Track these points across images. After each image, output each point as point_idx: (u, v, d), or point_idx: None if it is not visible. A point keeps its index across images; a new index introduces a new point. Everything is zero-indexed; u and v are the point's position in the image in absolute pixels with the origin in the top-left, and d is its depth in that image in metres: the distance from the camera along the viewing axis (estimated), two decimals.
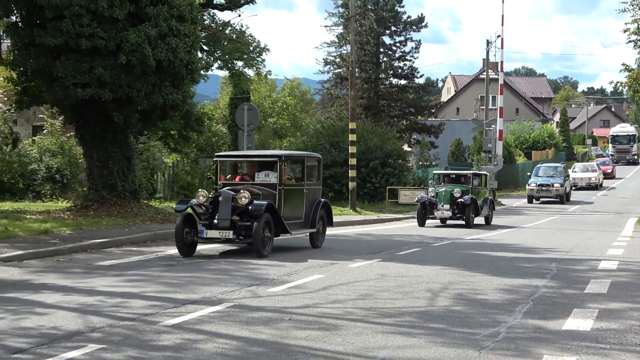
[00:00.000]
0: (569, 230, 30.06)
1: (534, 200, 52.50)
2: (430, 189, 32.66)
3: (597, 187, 66.63)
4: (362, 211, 38.38)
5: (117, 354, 8.81)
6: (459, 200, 31.33)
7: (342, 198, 42.08)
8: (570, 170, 64.46)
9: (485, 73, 69.09)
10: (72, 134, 32.51)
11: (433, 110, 74.76)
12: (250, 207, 18.35)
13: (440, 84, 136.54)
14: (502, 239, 25.30)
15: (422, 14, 75.93)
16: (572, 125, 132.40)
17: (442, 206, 31.36)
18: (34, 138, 37.45)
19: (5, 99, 34.29)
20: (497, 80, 60.83)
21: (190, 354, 8.89)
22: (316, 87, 76.20)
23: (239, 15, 44.97)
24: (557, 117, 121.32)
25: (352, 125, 39.36)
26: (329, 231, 23.09)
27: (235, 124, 36.22)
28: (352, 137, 38.99)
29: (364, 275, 15.50)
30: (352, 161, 38.80)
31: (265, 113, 68.49)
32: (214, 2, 41.05)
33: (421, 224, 31.61)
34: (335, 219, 31.18)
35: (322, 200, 21.46)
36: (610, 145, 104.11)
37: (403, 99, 68.23)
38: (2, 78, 29.26)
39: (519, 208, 48.20)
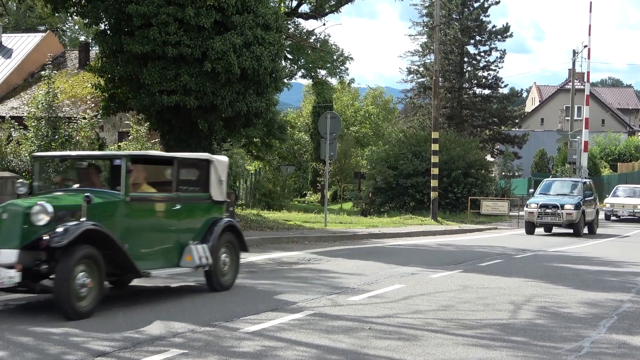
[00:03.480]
0: None
1: (535, 229, 33.43)
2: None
3: None
4: (444, 221, 38.14)
5: (199, 359, 8.90)
6: (45, 236, 10.99)
7: (424, 208, 42.01)
8: (610, 195, 49.22)
9: (570, 83, 68.17)
10: (157, 140, 32.92)
11: (517, 121, 74.03)
12: None
13: (524, 94, 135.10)
14: (585, 252, 24.89)
15: (507, 24, 75.33)
16: None
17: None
18: (119, 144, 38.01)
19: (93, 105, 34.91)
20: (582, 90, 59.96)
21: None
22: (399, 96, 76.26)
23: (324, 24, 45.18)
24: None
25: (434, 135, 39.20)
26: (408, 240, 22.63)
27: (318, 132, 36.42)
28: (434, 147, 38.82)
29: (445, 286, 15.40)
30: (434, 171, 38.62)
31: (347, 122, 68.86)
32: (299, 10, 41.32)
33: None
34: (417, 228, 31.59)
35: None
36: None
37: (486, 108, 67.73)
38: (90, 84, 29.75)
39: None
